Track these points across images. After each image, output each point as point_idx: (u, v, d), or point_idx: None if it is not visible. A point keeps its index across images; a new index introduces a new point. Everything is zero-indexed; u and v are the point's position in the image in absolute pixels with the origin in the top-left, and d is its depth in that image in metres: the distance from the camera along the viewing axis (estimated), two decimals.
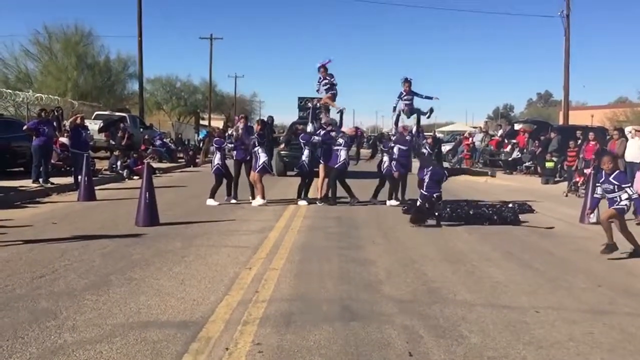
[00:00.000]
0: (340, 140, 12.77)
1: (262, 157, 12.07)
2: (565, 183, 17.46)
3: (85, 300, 5.21)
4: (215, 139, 12.79)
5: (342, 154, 12.71)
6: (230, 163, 12.91)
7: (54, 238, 8.02)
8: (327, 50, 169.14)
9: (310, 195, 12.97)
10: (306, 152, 12.70)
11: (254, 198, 12.34)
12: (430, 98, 13.75)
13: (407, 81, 13.55)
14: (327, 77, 13.46)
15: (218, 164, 12.28)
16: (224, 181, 12.51)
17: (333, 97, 13.56)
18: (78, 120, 14.63)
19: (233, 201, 12.23)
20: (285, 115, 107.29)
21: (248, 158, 12.58)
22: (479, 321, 4.93)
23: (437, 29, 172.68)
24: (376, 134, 40.25)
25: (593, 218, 10.68)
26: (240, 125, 12.98)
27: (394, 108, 13.79)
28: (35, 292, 5.46)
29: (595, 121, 45.14)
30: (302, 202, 12.41)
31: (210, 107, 57.67)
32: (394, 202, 12.69)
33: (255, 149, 12.16)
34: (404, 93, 13.55)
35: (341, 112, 13.82)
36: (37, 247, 7.42)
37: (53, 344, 4.17)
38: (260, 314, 4.95)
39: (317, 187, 13.14)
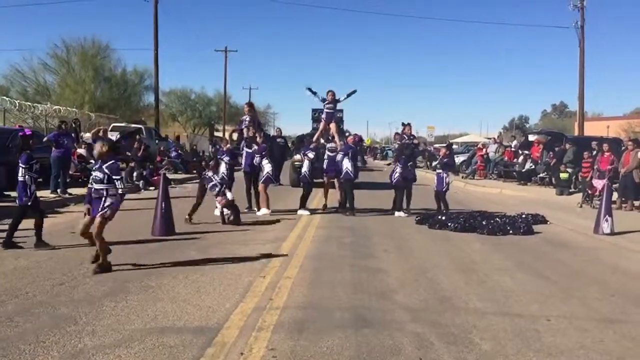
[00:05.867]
0: (340, 154, 13.01)
1: (267, 168, 12.33)
2: (580, 194, 17.38)
3: (103, 307, 5.34)
4: (220, 148, 13.00)
5: (345, 164, 12.86)
6: (239, 174, 13.08)
7: (73, 246, 8.19)
8: (340, 62, 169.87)
9: (314, 205, 13.14)
10: (306, 163, 12.96)
11: (258, 209, 12.50)
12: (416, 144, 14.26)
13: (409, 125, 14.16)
14: (331, 102, 13.80)
15: (223, 173, 12.45)
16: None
17: (330, 122, 13.93)
18: (101, 133, 14.89)
19: (227, 212, 12.27)
20: (299, 127, 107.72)
21: (257, 171, 12.77)
22: (490, 329, 4.98)
23: (451, 40, 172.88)
24: (389, 145, 40.02)
25: (607, 228, 10.69)
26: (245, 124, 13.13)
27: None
28: (56, 298, 5.61)
29: (611, 132, 44.80)
30: (303, 212, 12.54)
31: (224, 118, 58.15)
32: (402, 214, 12.71)
33: (260, 162, 12.38)
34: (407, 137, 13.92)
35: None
36: (56, 255, 7.60)
37: (74, 348, 4.30)
38: (274, 321, 5.05)
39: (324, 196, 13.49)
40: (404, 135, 13.91)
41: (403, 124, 14.06)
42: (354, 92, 14.09)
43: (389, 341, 4.60)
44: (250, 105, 14.05)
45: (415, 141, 14.10)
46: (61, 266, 6.97)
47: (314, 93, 13.84)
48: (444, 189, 12.91)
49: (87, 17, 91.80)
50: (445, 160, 13.37)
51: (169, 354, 4.22)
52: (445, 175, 13.00)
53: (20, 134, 9.54)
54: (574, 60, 30.93)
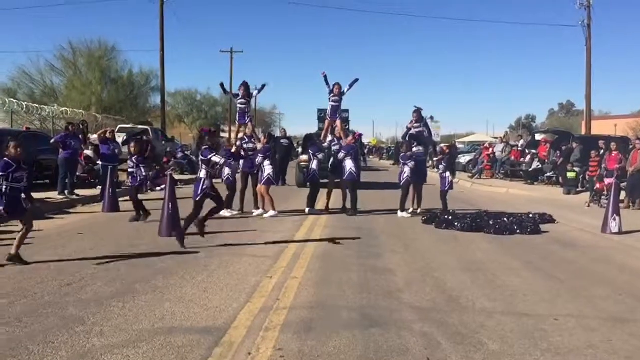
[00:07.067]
0: (341, 154, 12.94)
1: (267, 170, 12.27)
2: (588, 193, 17.31)
3: (112, 307, 5.36)
4: (225, 150, 12.94)
5: (348, 164, 12.80)
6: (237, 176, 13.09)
7: (80, 248, 8.24)
8: (346, 61, 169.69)
9: (321, 205, 13.16)
10: (315, 162, 12.99)
11: (257, 209, 12.49)
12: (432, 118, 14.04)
13: (417, 111, 13.81)
14: (337, 95, 13.73)
15: (229, 174, 12.48)
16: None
17: (335, 117, 13.93)
18: (108, 134, 14.94)
19: (228, 213, 12.26)
20: (305, 127, 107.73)
21: (256, 171, 12.76)
22: (498, 329, 4.97)
23: (458, 39, 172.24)
24: (395, 145, 39.94)
25: (615, 228, 10.64)
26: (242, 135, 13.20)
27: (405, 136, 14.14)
28: (64, 299, 5.63)
29: (619, 131, 44.63)
30: (311, 212, 12.59)
31: (230, 119, 58.18)
32: (405, 214, 12.67)
33: (262, 162, 12.36)
34: (415, 121, 13.73)
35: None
36: (64, 256, 7.62)
37: (82, 348, 4.32)
38: (281, 321, 5.06)
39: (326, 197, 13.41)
40: (413, 126, 13.70)
41: (415, 107, 13.84)
42: (357, 80, 14.04)
43: (396, 341, 4.60)
44: (245, 86, 13.70)
45: (420, 128, 13.76)
46: (69, 267, 6.99)
47: (327, 83, 13.80)
48: (446, 189, 12.84)
49: (94, 19, 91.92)
50: (445, 157, 13.26)
51: (177, 354, 4.24)
52: (447, 174, 12.91)
53: (203, 129, 9.87)
54: (581, 59, 30.78)
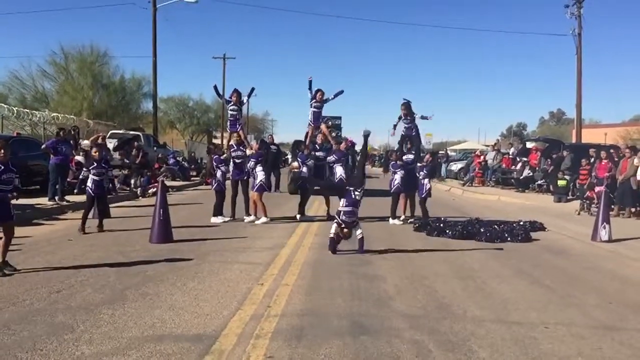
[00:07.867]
0: (332, 157, 13.06)
1: (260, 176, 12.27)
2: (578, 201, 17.40)
3: (101, 314, 5.33)
4: (215, 156, 12.91)
5: (339, 170, 12.90)
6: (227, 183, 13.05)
7: (70, 254, 8.18)
8: (338, 69, 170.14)
9: (312, 212, 13.15)
10: (304, 169, 13.05)
11: (248, 215, 12.49)
12: (426, 118, 13.80)
13: (404, 104, 13.73)
14: (320, 102, 13.75)
15: (219, 180, 12.46)
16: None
17: (318, 123, 14.01)
18: (99, 140, 14.86)
19: (219, 220, 12.29)
20: (297, 134, 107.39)
21: (245, 177, 12.77)
22: (488, 336, 4.98)
23: (449, 47, 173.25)
24: (384, 153, 39.95)
25: (605, 236, 10.69)
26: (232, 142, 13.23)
27: (394, 126, 14.01)
28: (53, 306, 5.59)
29: (609, 139, 44.90)
30: (303, 218, 12.65)
31: (222, 126, 58.11)
32: (396, 222, 12.68)
33: (254, 167, 12.36)
34: (403, 116, 13.70)
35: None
36: (54, 263, 7.58)
37: (71, 356, 4.28)
38: (272, 328, 5.04)
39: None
40: (402, 122, 13.65)
41: (403, 100, 13.68)
42: (341, 92, 14.12)
43: (387, 348, 4.59)
44: (237, 93, 13.67)
45: (409, 124, 13.55)
46: (58, 274, 6.95)
47: (310, 88, 13.81)
48: (423, 195, 12.85)
49: (86, 24, 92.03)
50: (428, 165, 13.28)
51: None
52: (425, 182, 12.91)
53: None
54: (572, 68, 31.05)
